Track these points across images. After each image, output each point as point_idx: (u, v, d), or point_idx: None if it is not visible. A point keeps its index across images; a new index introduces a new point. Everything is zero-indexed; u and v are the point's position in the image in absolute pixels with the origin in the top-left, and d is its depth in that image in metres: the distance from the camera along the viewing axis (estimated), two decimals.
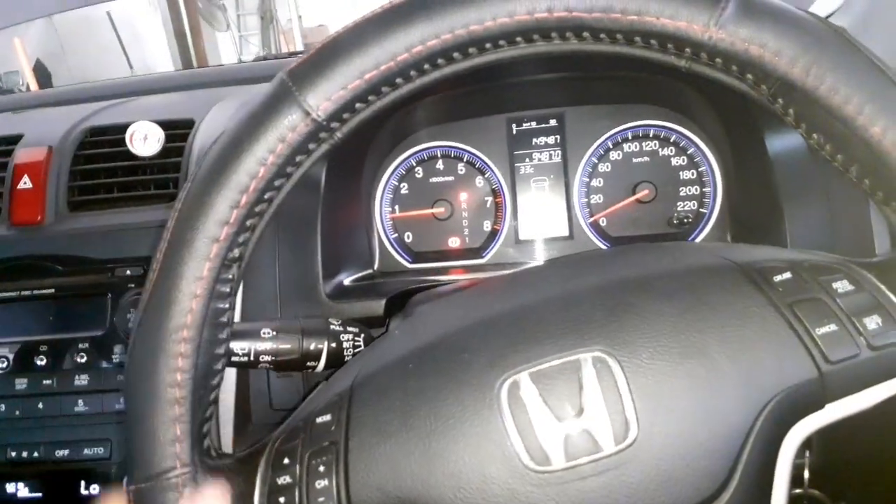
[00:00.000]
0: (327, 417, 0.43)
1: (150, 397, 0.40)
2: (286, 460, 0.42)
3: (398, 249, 1.00)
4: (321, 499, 0.39)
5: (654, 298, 0.42)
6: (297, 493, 0.40)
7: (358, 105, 0.42)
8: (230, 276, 0.43)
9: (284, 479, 0.41)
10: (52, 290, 0.79)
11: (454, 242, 1.00)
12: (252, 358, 0.57)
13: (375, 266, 1.00)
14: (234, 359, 0.57)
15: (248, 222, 0.42)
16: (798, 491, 0.57)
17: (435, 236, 1.01)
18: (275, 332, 0.59)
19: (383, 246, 1.00)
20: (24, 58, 2.53)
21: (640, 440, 0.37)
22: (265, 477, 0.42)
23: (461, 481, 0.38)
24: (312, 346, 0.60)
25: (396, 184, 1.01)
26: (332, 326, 0.62)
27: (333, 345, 0.61)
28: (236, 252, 0.42)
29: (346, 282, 0.87)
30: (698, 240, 0.94)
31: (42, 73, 3.54)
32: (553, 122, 0.98)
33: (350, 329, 0.63)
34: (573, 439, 0.38)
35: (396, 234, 1.01)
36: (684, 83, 0.88)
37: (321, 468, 0.40)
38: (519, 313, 0.44)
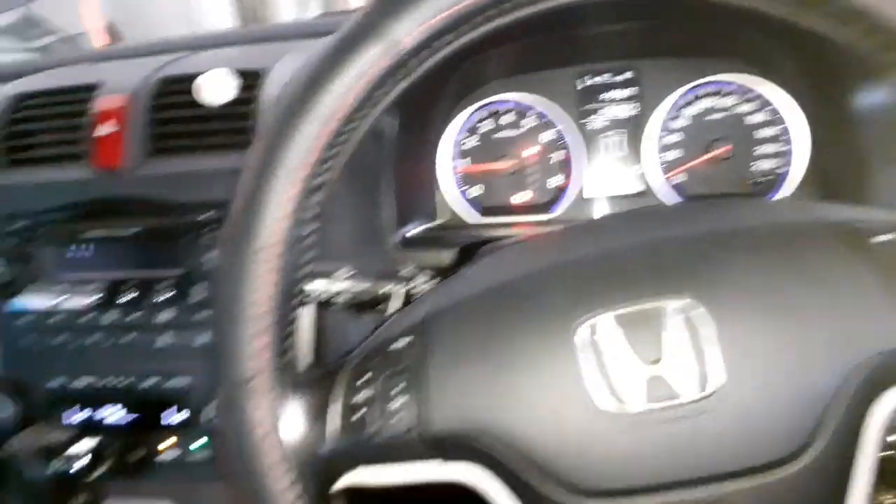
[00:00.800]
0: (401, 344, 0.43)
1: (238, 311, 0.41)
2: (363, 379, 0.43)
3: (465, 203, 1.00)
4: (400, 414, 0.40)
5: (744, 252, 0.40)
6: (370, 412, 0.41)
7: (436, 43, 0.41)
8: (314, 202, 0.43)
9: (363, 395, 0.42)
10: (136, 231, 0.82)
11: (522, 198, 0.99)
12: (325, 297, 0.58)
13: (441, 220, 1.00)
14: (310, 297, 0.58)
15: (333, 150, 0.42)
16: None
17: (501, 191, 1.00)
18: (351, 273, 0.60)
19: (449, 199, 1.00)
20: (92, 16, 2.58)
21: (720, 391, 0.37)
22: (342, 393, 0.43)
23: (534, 415, 0.38)
24: (385, 290, 0.61)
25: (463, 137, 1.00)
26: (402, 271, 0.63)
27: (406, 288, 0.62)
28: (319, 179, 0.42)
29: (413, 233, 0.88)
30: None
31: (113, 32, 3.62)
32: (628, 75, 0.96)
33: (420, 276, 0.64)
34: (651, 383, 0.37)
35: (462, 188, 1.00)
36: (765, 34, 0.84)
37: (399, 386, 0.41)
38: (603, 257, 0.43)
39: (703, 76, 0.93)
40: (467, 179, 1.01)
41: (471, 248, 0.78)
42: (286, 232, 0.41)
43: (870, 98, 0.76)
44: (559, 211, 0.98)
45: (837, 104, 0.79)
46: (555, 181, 0.98)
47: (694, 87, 0.93)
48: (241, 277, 0.41)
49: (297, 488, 0.41)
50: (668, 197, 0.95)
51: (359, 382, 0.43)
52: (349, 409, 0.42)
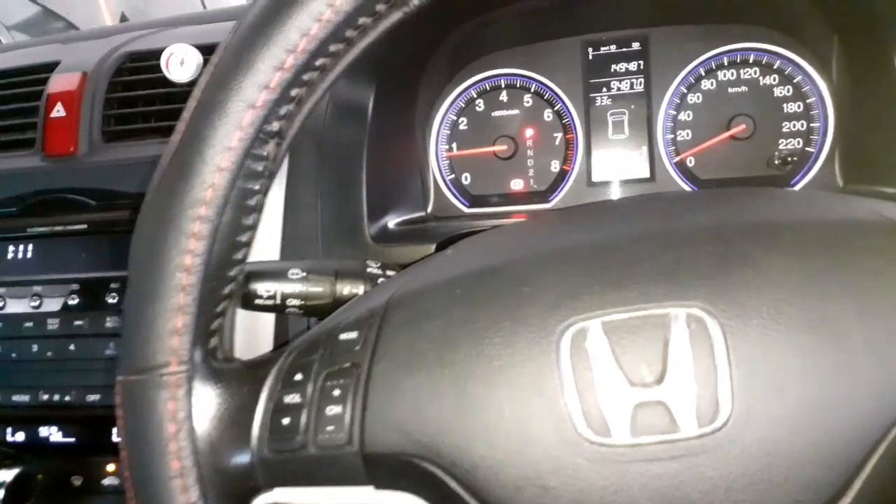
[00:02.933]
0: (353, 335, 0.37)
1: (153, 280, 0.34)
2: (299, 376, 0.37)
3: (454, 191, 0.91)
4: (329, 428, 0.34)
5: (778, 250, 0.33)
6: (303, 417, 0.35)
7: None
8: (265, 154, 0.36)
9: (293, 398, 0.36)
10: (86, 226, 0.75)
11: (517, 185, 0.90)
12: (278, 301, 0.52)
13: (429, 209, 0.91)
14: (258, 301, 0.52)
15: (294, 91, 0.35)
16: None
17: (496, 178, 0.91)
18: (305, 273, 0.52)
19: (438, 187, 0.91)
20: (108, 11, 2.55)
21: (730, 426, 0.30)
22: (273, 391, 0.37)
23: (497, 437, 0.32)
24: (346, 291, 0.53)
25: (454, 118, 0.91)
26: (369, 269, 0.55)
27: (370, 289, 0.54)
28: (275, 125, 0.35)
29: (393, 224, 0.80)
30: (803, 183, 0.81)
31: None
32: (636, 46, 0.86)
33: (390, 272, 0.55)
34: (645, 411, 0.30)
35: (453, 175, 0.92)
36: None
37: (336, 392, 0.35)
38: (602, 248, 0.36)
39: (722, 45, 0.83)
40: (457, 165, 0.92)
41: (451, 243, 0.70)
42: (224, 187, 0.34)
43: None
44: (558, 199, 0.89)
45: (875, 72, 0.70)
46: (555, 165, 0.89)
47: (710, 57, 0.83)
48: (162, 240, 0.34)
49: None
50: (679, 182, 0.86)
51: (295, 378, 0.37)
52: (278, 412, 0.36)
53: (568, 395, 0.31)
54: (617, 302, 0.32)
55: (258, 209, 0.37)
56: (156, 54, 0.79)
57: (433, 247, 0.71)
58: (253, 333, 0.67)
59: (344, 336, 0.37)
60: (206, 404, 0.36)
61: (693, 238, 0.34)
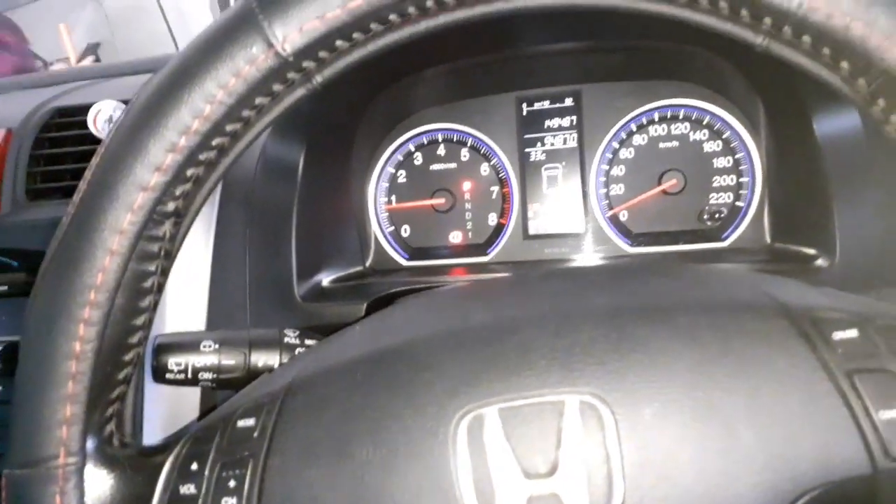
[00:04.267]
0: (250, 421, 0.36)
1: (41, 368, 0.33)
2: (195, 465, 0.35)
3: (393, 244, 0.91)
4: None
5: (670, 335, 0.33)
6: None
7: (339, 43, 0.34)
8: (161, 234, 0.35)
9: (188, 489, 0.35)
10: (6, 288, 0.72)
11: (456, 237, 0.90)
12: (189, 375, 0.51)
13: (367, 262, 0.90)
14: (168, 376, 0.51)
15: (189, 171, 0.34)
16: None
17: (435, 230, 0.91)
18: (217, 345, 0.51)
19: (377, 240, 0.91)
20: (70, 44, 2.53)
21: None
22: (168, 481, 0.36)
23: None
24: (261, 363, 0.52)
25: (393, 171, 0.91)
26: (286, 339, 0.54)
27: (287, 360, 0.53)
28: (171, 206, 0.35)
29: (328, 281, 0.79)
30: (733, 237, 0.82)
31: (92, 60, 3.58)
32: (569, 102, 0.87)
33: (308, 342, 0.54)
34: (539, 502, 0.30)
35: (392, 228, 0.91)
36: (720, 56, 0.76)
37: (231, 483, 0.34)
38: (500, 330, 0.35)
39: (653, 101, 0.85)
40: (395, 218, 0.92)
41: (385, 303, 0.69)
42: (115, 271, 0.33)
43: (831, 124, 0.68)
44: (496, 252, 0.89)
45: (797, 131, 0.71)
46: (493, 219, 0.89)
47: (641, 112, 0.85)
48: (50, 327, 0.33)
49: None
50: (613, 236, 0.86)
51: (191, 467, 0.35)
52: (174, 503, 0.35)
53: (464, 488, 0.30)
54: (513, 388, 0.32)
55: (155, 290, 0.36)
56: (84, 109, 0.77)
57: (364, 305, 0.70)
58: (179, 403, 0.65)
59: (241, 423, 0.36)
60: (99, 495, 0.35)
61: (588, 322, 0.34)
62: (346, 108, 0.81)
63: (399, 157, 0.91)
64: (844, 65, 0.31)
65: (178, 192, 0.34)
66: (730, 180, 0.83)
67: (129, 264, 0.34)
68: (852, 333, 0.32)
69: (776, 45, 0.32)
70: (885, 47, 0.28)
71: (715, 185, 0.84)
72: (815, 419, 0.30)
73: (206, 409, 0.66)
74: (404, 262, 0.91)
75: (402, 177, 0.91)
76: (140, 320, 0.36)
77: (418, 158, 0.91)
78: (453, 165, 0.90)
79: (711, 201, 0.84)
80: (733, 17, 0.32)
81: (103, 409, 0.35)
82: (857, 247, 0.65)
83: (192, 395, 0.66)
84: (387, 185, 0.91)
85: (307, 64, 0.34)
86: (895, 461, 0.29)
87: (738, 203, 0.83)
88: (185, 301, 0.66)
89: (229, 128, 0.34)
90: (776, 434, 0.30)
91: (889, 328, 0.32)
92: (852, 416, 0.30)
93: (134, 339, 0.36)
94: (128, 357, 0.36)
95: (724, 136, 0.83)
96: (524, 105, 0.88)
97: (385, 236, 0.91)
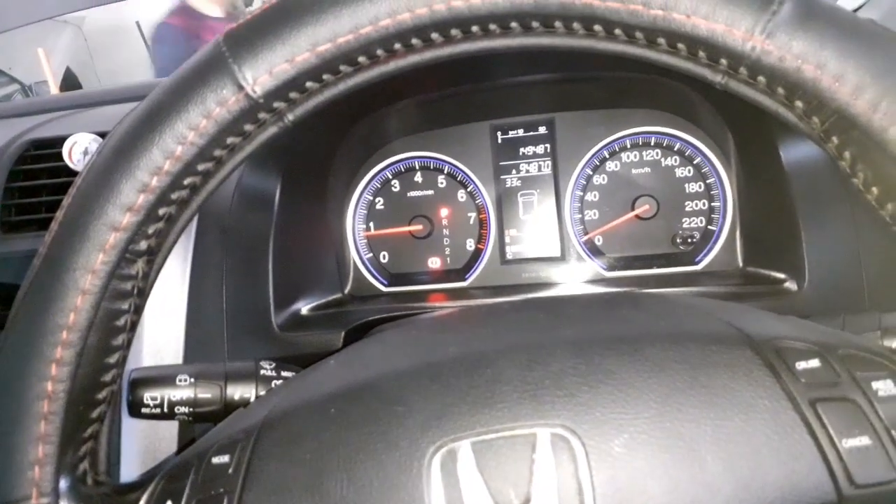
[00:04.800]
0: (225, 458, 0.36)
1: (13, 409, 0.33)
2: (169, 503, 0.35)
3: (372, 271, 0.91)
4: None
5: (638, 367, 0.33)
6: None
7: (309, 84, 0.34)
8: (133, 273, 0.35)
9: None
10: None
11: (434, 263, 0.91)
12: (165, 409, 0.51)
13: (346, 289, 0.91)
14: (144, 410, 0.51)
15: (162, 211, 0.35)
16: None
17: (413, 256, 0.92)
18: (193, 379, 0.51)
19: (356, 266, 0.92)
20: (49, 68, 2.52)
21: None
22: None
23: None
24: (237, 395, 0.52)
25: (371, 198, 0.92)
26: (262, 371, 0.54)
27: (263, 392, 0.52)
28: (143, 245, 0.35)
29: (306, 309, 0.79)
30: (706, 261, 0.83)
31: (71, 82, 3.57)
32: (542, 130, 0.89)
33: (285, 374, 0.54)
34: None
35: (371, 254, 0.92)
36: (688, 85, 0.78)
37: None
38: (473, 363, 0.36)
39: (624, 129, 0.86)
40: (374, 245, 0.92)
41: (362, 331, 0.69)
42: (87, 310, 0.33)
43: (797, 151, 0.70)
44: (475, 277, 0.89)
45: (764, 157, 0.73)
46: (471, 244, 0.90)
47: (614, 140, 0.86)
48: (21, 366, 0.33)
49: None
50: (588, 260, 0.88)
51: None
52: None
53: None
54: (486, 422, 0.32)
55: (128, 329, 0.36)
56: (59, 142, 0.77)
57: (342, 333, 0.70)
58: (156, 437, 0.65)
59: (216, 459, 0.36)
60: None
61: (558, 353, 0.35)
62: (321, 139, 0.82)
63: (377, 184, 0.92)
64: (799, 104, 0.32)
65: (150, 230, 0.35)
66: (702, 205, 0.85)
67: (102, 303, 0.34)
68: (815, 363, 0.33)
69: (734, 84, 0.33)
70: (834, 89, 0.30)
71: (687, 209, 0.85)
72: (780, 448, 0.30)
73: (184, 443, 0.65)
74: (383, 288, 0.91)
75: (379, 204, 0.92)
76: (113, 358, 0.36)
77: (396, 185, 0.92)
78: (430, 192, 0.91)
79: (684, 225, 0.85)
80: (692, 58, 0.33)
81: (76, 447, 0.35)
82: (825, 271, 0.66)
83: (170, 429, 0.66)
84: (365, 212, 0.92)
85: (278, 104, 0.34)
86: (860, 488, 0.29)
87: (710, 227, 0.84)
88: (161, 333, 0.66)
89: (201, 167, 0.35)
90: (743, 463, 0.30)
91: (850, 357, 0.33)
92: (817, 445, 0.30)
93: (107, 378, 0.36)
94: (101, 395, 0.36)
95: (695, 162, 0.85)
96: (499, 133, 0.90)
97: (364, 263, 0.92)
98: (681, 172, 0.86)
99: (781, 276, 0.70)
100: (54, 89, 2.30)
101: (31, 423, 0.33)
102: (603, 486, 0.30)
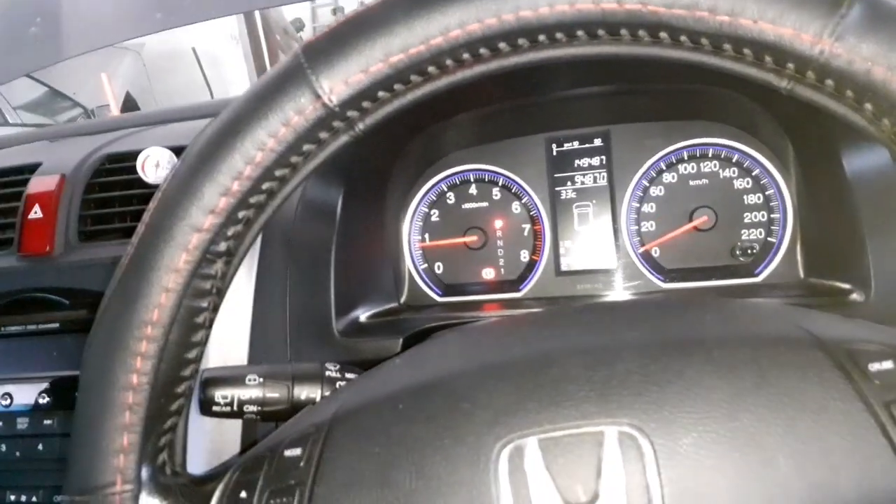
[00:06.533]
0: (297, 451, 0.37)
1: (100, 400, 0.35)
2: (243, 494, 0.37)
3: (427, 281, 0.93)
4: None
5: (707, 368, 0.33)
6: None
7: (381, 94, 0.36)
8: (213, 272, 0.37)
9: None
10: (58, 325, 0.75)
11: (488, 274, 0.92)
12: (235, 407, 0.52)
13: (402, 299, 0.92)
14: (215, 408, 0.52)
15: (241, 214, 0.37)
16: None
17: (467, 267, 0.92)
18: (262, 379, 0.53)
19: (411, 277, 0.93)
20: (111, 92, 2.64)
21: None
22: None
23: None
24: (304, 395, 0.54)
25: (426, 210, 0.94)
26: (327, 372, 0.55)
27: (328, 393, 0.54)
28: (223, 246, 0.37)
29: (364, 317, 0.80)
30: (766, 273, 0.82)
31: (130, 105, 3.72)
32: (598, 142, 0.89)
33: (349, 375, 0.56)
34: None
35: (426, 265, 0.93)
36: (746, 96, 0.77)
37: None
38: (538, 363, 0.36)
39: (681, 141, 0.86)
40: (429, 256, 0.94)
41: (421, 337, 0.70)
42: (170, 307, 0.35)
43: (861, 160, 0.68)
44: (529, 288, 0.90)
45: (826, 167, 0.72)
46: (525, 255, 0.91)
47: (670, 152, 0.86)
48: (109, 360, 0.35)
49: None
50: (645, 272, 0.87)
51: (240, 495, 0.37)
52: None
53: None
54: (553, 419, 0.32)
55: (206, 325, 0.38)
56: (133, 156, 0.81)
57: (400, 340, 0.72)
58: (220, 436, 0.67)
59: (288, 452, 0.37)
60: None
61: (623, 354, 0.35)
62: (382, 152, 0.84)
63: (432, 196, 0.93)
64: (868, 106, 0.32)
65: (229, 232, 0.37)
66: (761, 216, 0.84)
67: (184, 301, 0.36)
68: (888, 365, 0.32)
69: (800, 88, 0.33)
70: None
71: (746, 221, 0.84)
72: (854, 450, 0.30)
73: (247, 443, 0.67)
74: (438, 298, 0.92)
75: (435, 216, 0.93)
76: (192, 354, 0.38)
77: (451, 198, 0.93)
78: (485, 204, 0.92)
79: (743, 237, 0.84)
80: (758, 63, 0.33)
81: (157, 438, 0.37)
82: (892, 280, 0.64)
83: (233, 429, 0.67)
84: (420, 223, 0.94)
85: (351, 113, 0.36)
86: None
87: (769, 239, 0.83)
88: (227, 336, 0.68)
89: (278, 173, 0.36)
90: (815, 464, 0.30)
91: None
92: (892, 447, 0.30)
93: (186, 372, 0.38)
94: (180, 389, 0.38)
95: (753, 174, 0.84)
96: (554, 146, 0.90)
97: (419, 273, 0.93)
98: (739, 184, 0.85)
99: (846, 286, 0.69)
100: (116, 112, 2.40)
101: (117, 413, 0.35)
102: (671, 484, 0.30)
